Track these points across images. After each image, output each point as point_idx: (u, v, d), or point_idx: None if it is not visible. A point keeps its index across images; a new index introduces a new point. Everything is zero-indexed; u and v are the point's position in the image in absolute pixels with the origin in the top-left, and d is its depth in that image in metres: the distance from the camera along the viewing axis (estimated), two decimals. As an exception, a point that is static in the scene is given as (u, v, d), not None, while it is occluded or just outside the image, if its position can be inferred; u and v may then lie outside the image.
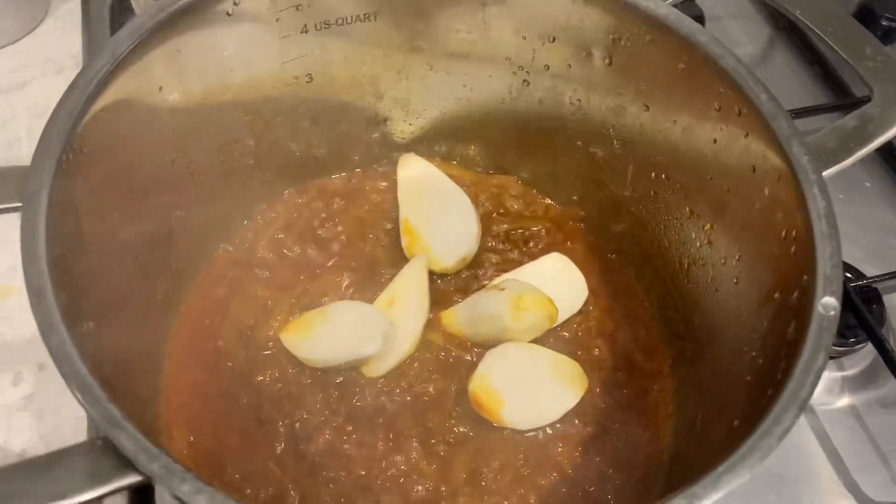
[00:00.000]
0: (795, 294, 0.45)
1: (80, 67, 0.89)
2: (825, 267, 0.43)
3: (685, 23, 0.54)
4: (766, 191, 0.50)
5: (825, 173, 0.47)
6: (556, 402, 0.59)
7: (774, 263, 0.49)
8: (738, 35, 0.99)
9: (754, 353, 0.49)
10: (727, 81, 0.52)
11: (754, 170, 0.51)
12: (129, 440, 0.34)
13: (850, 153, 0.49)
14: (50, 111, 0.86)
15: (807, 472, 0.67)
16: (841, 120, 0.50)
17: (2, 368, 0.68)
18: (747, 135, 0.52)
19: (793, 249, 0.47)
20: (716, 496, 0.35)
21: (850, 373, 0.73)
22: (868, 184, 0.86)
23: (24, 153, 0.83)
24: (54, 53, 0.91)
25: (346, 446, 0.58)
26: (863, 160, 0.85)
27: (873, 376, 0.72)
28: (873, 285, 0.73)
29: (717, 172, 0.55)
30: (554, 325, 0.63)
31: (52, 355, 0.36)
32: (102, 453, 0.35)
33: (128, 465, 0.34)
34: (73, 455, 0.35)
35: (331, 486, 0.56)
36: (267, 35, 0.59)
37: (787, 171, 0.48)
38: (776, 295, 0.48)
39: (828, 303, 0.41)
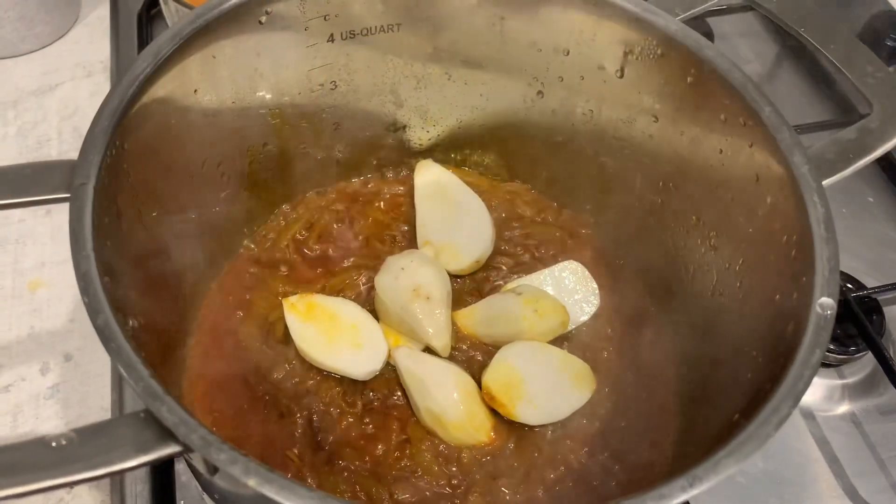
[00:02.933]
0: (795, 295, 0.47)
1: (107, 72, 0.94)
2: (823, 269, 0.46)
3: (694, 38, 0.57)
4: (769, 199, 0.53)
5: (825, 182, 0.50)
6: (566, 399, 0.61)
7: (775, 267, 0.51)
8: (745, 53, 1.02)
9: (755, 353, 0.51)
10: (733, 94, 0.55)
11: (758, 179, 0.54)
12: (170, 413, 0.37)
13: (849, 164, 0.51)
14: (79, 113, 0.90)
15: (807, 477, 0.69)
16: (841, 132, 0.53)
17: (30, 358, 0.71)
18: (752, 145, 0.54)
19: (793, 253, 0.49)
20: (716, 479, 0.38)
21: (850, 381, 0.75)
22: (871, 198, 0.88)
23: (53, 153, 0.86)
24: (84, 58, 0.95)
25: (361, 439, 0.60)
26: (865, 175, 0.89)
27: (873, 385, 0.74)
28: (874, 296, 0.76)
29: (722, 181, 0.58)
30: (566, 331, 0.65)
31: (99, 333, 0.39)
32: (145, 425, 0.37)
33: (169, 436, 0.37)
34: (118, 426, 0.37)
35: (346, 474, 0.58)
36: (295, 43, 0.62)
37: (789, 179, 0.50)
38: (777, 297, 0.50)
39: (825, 303, 0.44)
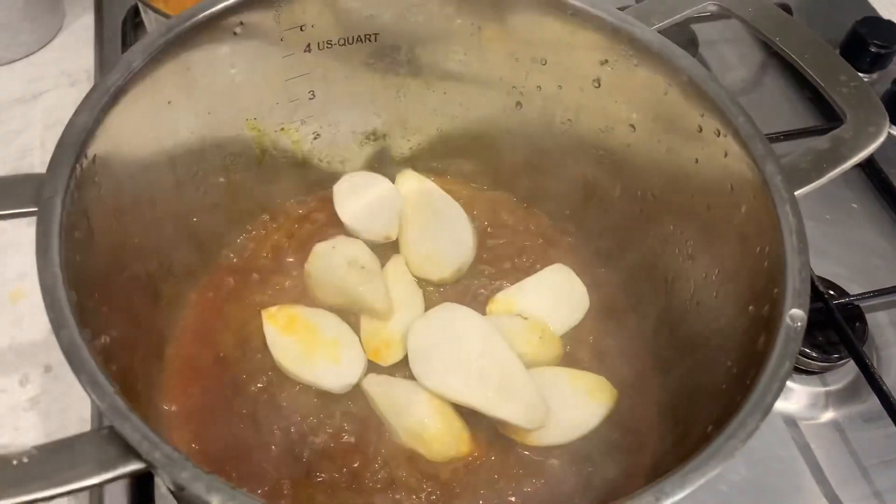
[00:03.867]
0: (767, 307, 0.47)
1: (92, 81, 0.94)
2: (794, 280, 0.46)
3: (669, 48, 0.57)
4: (743, 208, 0.53)
5: (797, 192, 0.50)
6: (584, 415, 0.61)
7: (749, 278, 0.51)
8: (731, 59, 1.02)
9: (730, 363, 0.51)
10: (708, 104, 0.55)
11: (732, 188, 0.54)
12: (134, 430, 0.37)
13: (821, 174, 0.51)
14: (63, 122, 0.89)
15: (790, 485, 0.69)
16: (814, 142, 0.53)
17: (9, 370, 0.71)
18: (726, 155, 0.54)
19: (766, 264, 0.49)
20: (682, 493, 0.38)
21: (832, 388, 0.74)
22: (854, 204, 0.88)
23: (36, 162, 0.86)
24: (68, 66, 0.95)
25: (339, 451, 0.60)
26: (849, 181, 0.89)
27: (855, 392, 0.74)
28: (856, 303, 0.76)
29: (698, 190, 0.58)
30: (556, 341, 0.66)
31: (63, 348, 0.39)
32: (108, 442, 0.37)
33: (132, 453, 0.37)
34: (80, 443, 0.37)
35: (324, 487, 0.58)
36: (271, 54, 0.61)
37: (762, 189, 0.50)
38: (750, 308, 0.50)
39: (795, 314, 0.44)
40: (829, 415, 0.73)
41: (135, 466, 0.37)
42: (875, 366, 0.70)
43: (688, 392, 0.58)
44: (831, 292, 0.76)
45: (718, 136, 0.54)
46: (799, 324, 0.43)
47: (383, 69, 0.67)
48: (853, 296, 0.76)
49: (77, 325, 0.40)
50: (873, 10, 1.05)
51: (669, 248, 0.63)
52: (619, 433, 0.61)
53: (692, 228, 0.60)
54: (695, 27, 1.00)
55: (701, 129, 0.56)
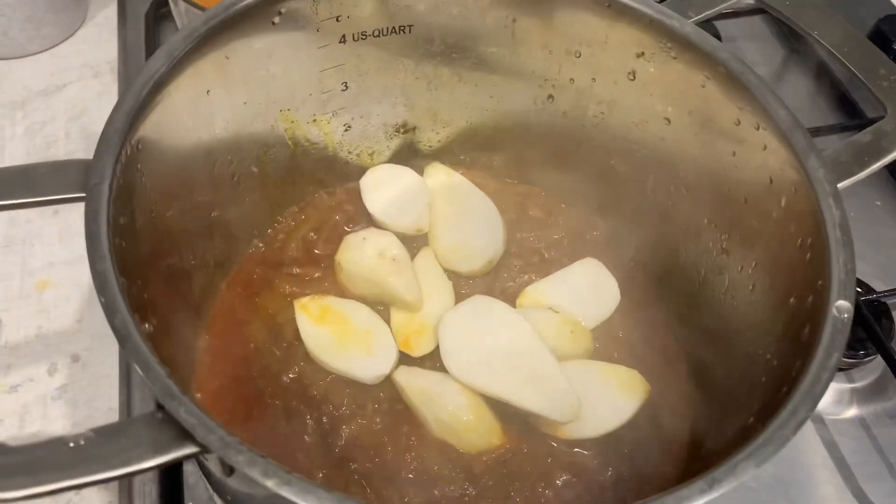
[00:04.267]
0: (810, 298, 0.47)
1: (115, 73, 0.94)
2: (839, 272, 0.46)
3: (707, 40, 0.57)
4: (783, 202, 0.53)
5: (840, 185, 0.50)
6: (615, 409, 0.61)
7: (789, 270, 0.51)
8: (753, 56, 1.02)
9: (769, 356, 0.51)
10: (747, 97, 0.55)
11: (771, 181, 0.54)
12: (188, 414, 0.37)
13: (863, 167, 0.51)
14: (86, 114, 0.90)
15: (815, 480, 0.69)
16: (856, 135, 0.53)
17: (38, 359, 0.71)
18: (765, 148, 0.54)
19: (808, 256, 0.49)
20: (735, 482, 0.38)
21: (858, 385, 0.75)
22: (878, 202, 0.88)
23: (60, 153, 0.86)
24: (91, 58, 0.95)
25: (372, 441, 0.60)
26: (873, 179, 0.89)
27: (882, 388, 0.74)
28: (882, 300, 0.76)
29: (734, 184, 0.58)
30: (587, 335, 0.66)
31: (116, 334, 0.39)
32: (161, 426, 0.37)
33: (186, 436, 0.37)
34: (135, 426, 0.37)
35: (357, 477, 0.58)
36: (307, 44, 0.62)
37: (804, 183, 0.50)
38: (791, 300, 0.50)
39: (842, 306, 0.44)
40: (854, 411, 0.73)
41: (189, 450, 0.37)
42: (902, 362, 0.70)
43: (722, 385, 0.58)
44: (858, 289, 0.76)
45: (758, 129, 0.54)
46: (846, 315, 0.43)
47: (416, 61, 0.67)
48: (880, 293, 0.76)
49: (128, 310, 0.40)
50: (895, 7, 1.05)
51: (703, 243, 0.62)
52: (651, 427, 0.61)
53: (727, 223, 0.59)
54: (717, 24, 1.00)
55: (739, 123, 0.56)
